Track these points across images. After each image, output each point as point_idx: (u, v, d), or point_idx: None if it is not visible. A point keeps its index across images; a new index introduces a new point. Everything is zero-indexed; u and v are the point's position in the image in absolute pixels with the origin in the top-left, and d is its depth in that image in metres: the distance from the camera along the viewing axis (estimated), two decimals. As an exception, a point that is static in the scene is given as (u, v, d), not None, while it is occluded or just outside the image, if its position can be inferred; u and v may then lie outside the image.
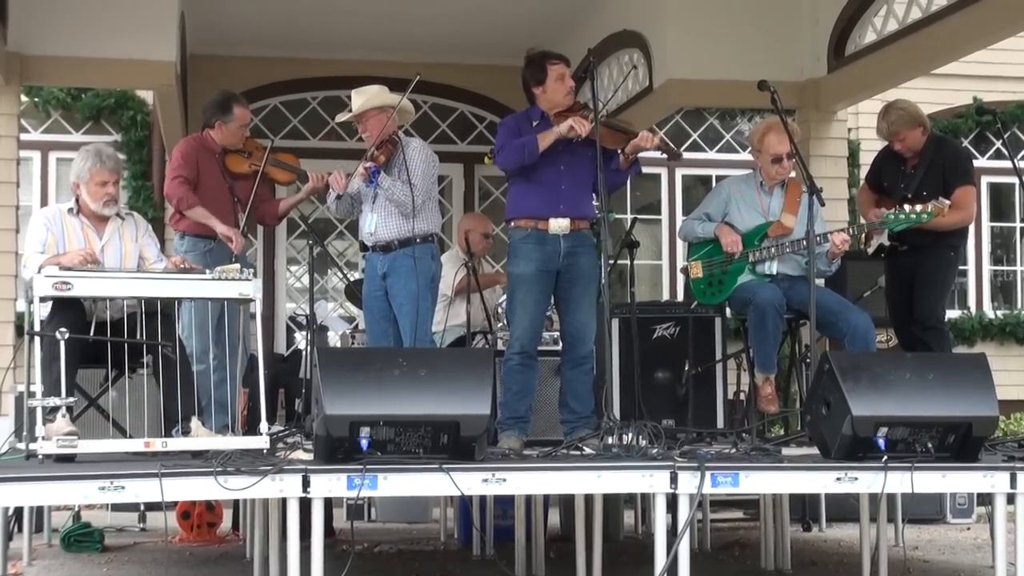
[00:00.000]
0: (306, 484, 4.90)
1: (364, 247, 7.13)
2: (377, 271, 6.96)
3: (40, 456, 5.39)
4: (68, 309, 5.83)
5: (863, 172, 9.40)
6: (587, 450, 5.86)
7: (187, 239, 7.21)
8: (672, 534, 5.16)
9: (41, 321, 5.68)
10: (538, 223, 6.49)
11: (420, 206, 6.84)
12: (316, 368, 5.20)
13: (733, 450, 5.85)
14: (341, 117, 7.11)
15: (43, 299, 5.64)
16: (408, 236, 6.87)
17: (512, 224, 6.61)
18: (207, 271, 5.95)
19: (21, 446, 5.80)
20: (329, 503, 6.56)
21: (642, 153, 6.59)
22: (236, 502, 8.09)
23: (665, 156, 6.66)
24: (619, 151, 6.50)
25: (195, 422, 5.84)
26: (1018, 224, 12.71)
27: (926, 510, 8.96)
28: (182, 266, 6.07)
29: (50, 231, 6.18)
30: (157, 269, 6.20)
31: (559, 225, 6.45)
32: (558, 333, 7.00)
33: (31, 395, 5.61)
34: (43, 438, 5.40)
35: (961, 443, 5.39)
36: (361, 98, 7.02)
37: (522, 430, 6.49)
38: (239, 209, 7.31)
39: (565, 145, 6.43)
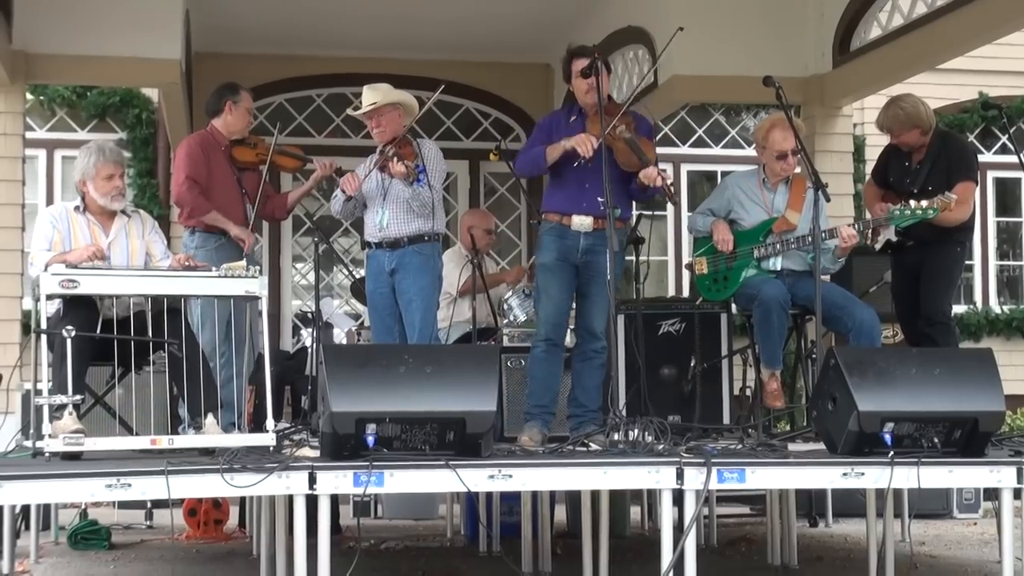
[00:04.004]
0: (312, 481, 4.90)
1: (366, 244, 7.14)
2: (384, 268, 6.97)
3: (47, 454, 5.40)
4: (81, 307, 5.84)
5: (868, 167, 9.40)
6: (593, 446, 5.87)
7: (197, 235, 7.22)
8: (678, 530, 5.16)
9: (48, 318, 5.68)
10: (562, 218, 6.50)
11: (436, 205, 6.92)
12: (322, 365, 5.20)
13: (739, 446, 5.85)
14: (364, 108, 7.08)
15: (50, 297, 5.65)
16: (418, 233, 6.92)
17: (543, 216, 6.66)
18: (215, 268, 5.95)
19: (28, 444, 5.81)
20: (335, 500, 6.56)
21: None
22: (243, 499, 8.10)
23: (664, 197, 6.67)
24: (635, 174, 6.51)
25: (210, 419, 5.83)
26: (1024, 219, 12.71)
27: (932, 505, 8.96)
28: (187, 263, 6.07)
29: (56, 229, 6.19)
30: (162, 267, 6.20)
31: (581, 222, 6.43)
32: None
33: (38, 393, 5.62)
34: (50, 436, 5.41)
35: (967, 438, 5.39)
36: (377, 94, 7.03)
37: (545, 422, 6.46)
38: (247, 202, 7.33)
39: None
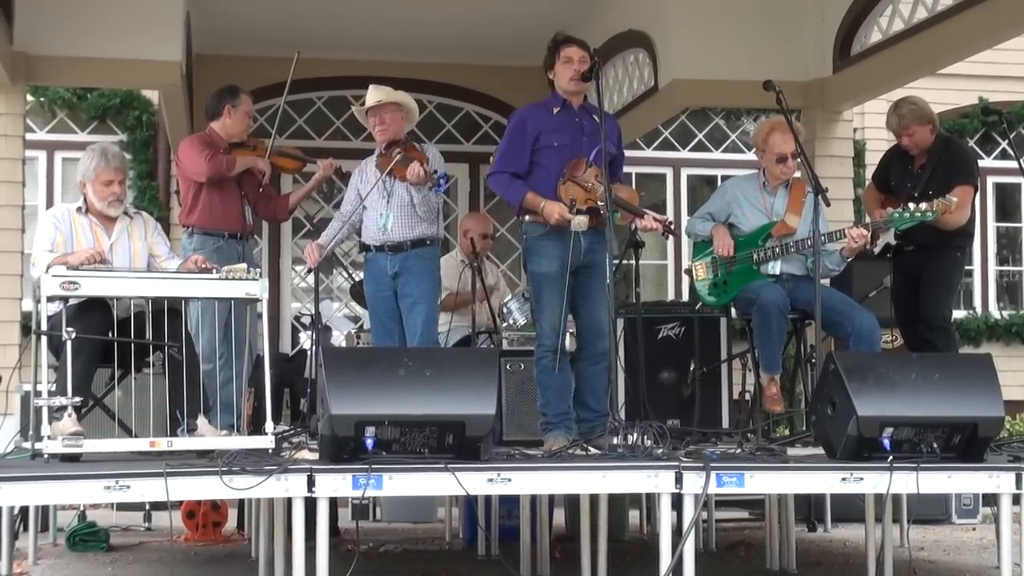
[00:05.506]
0: (311, 484, 4.90)
1: (365, 247, 7.13)
2: (386, 271, 6.97)
3: (46, 455, 5.40)
4: (95, 308, 5.85)
5: (868, 172, 9.40)
6: (592, 450, 5.86)
7: (196, 237, 7.23)
8: (677, 534, 5.16)
9: (49, 318, 5.68)
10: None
11: (439, 210, 6.98)
12: (321, 368, 5.20)
13: (738, 450, 5.85)
14: (369, 104, 7.10)
15: (51, 298, 5.64)
16: (421, 237, 6.94)
17: (528, 219, 6.41)
18: (215, 269, 5.96)
19: (27, 445, 5.81)
20: (334, 503, 6.55)
21: (640, 158, 6.58)
22: (241, 501, 8.09)
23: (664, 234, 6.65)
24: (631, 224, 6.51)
25: (202, 420, 5.84)
26: (1024, 224, 12.71)
27: (931, 511, 8.95)
28: (203, 266, 6.04)
29: (59, 230, 6.19)
30: (169, 267, 6.21)
31: (579, 222, 6.21)
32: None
33: (37, 394, 5.62)
34: (49, 437, 5.41)
35: (967, 444, 5.39)
36: (382, 92, 7.08)
37: (568, 428, 6.30)
38: (246, 203, 7.34)
39: (588, 139, 6.34)
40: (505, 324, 8.22)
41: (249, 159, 7.34)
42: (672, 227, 6.61)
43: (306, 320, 9.61)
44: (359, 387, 5.11)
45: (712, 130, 12.22)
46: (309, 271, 7.30)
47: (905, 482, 5.23)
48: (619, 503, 8.04)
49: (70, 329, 5.57)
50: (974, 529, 8.93)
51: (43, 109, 11.17)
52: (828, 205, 6.47)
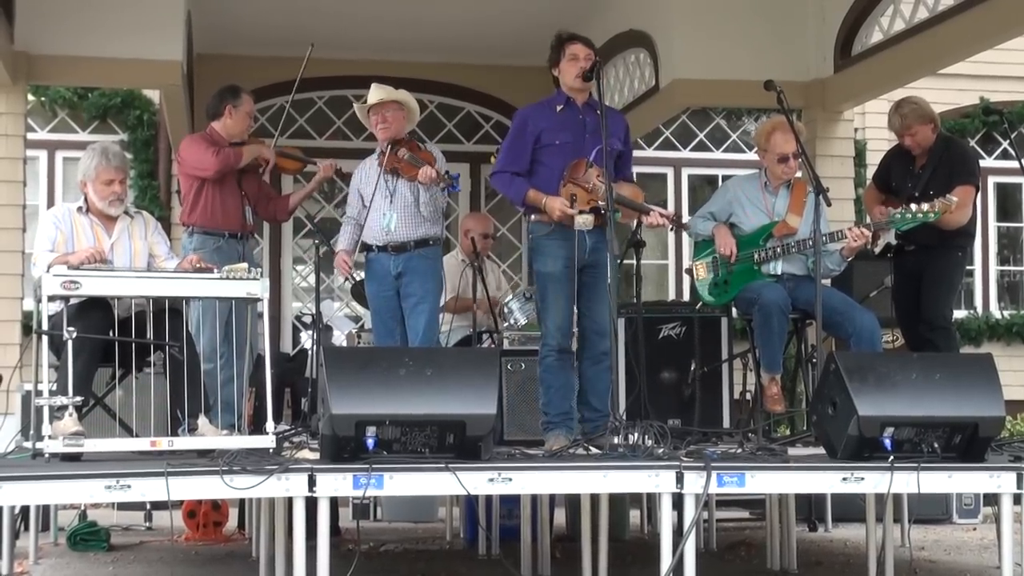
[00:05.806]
0: (312, 483, 4.90)
1: (366, 247, 7.12)
2: (389, 271, 6.97)
3: (46, 455, 5.40)
4: (96, 308, 5.85)
5: (869, 172, 9.40)
6: (593, 450, 5.86)
7: (196, 236, 7.24)
8: (678, 534, 5.16)
9: (50, 318, 5.68)
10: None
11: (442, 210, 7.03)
12: (322, 367, 5.20)
13: (739, 450, 5.84)
14: (372, 101, 7.10)
15: (52, 298, 5.65)
16: (424, 237, 6.96)
17: (533, 218, 6.41)
18: (216, 269, 5.96)
19: (28, 445, 5.81)
20: (335, 502, 6.55)
21: (641, 158, 6.57)
22: (242, 501, 8.10)
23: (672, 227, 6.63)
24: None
25: (202, 419, 5.84)
26: (1025, 224, 12.71)
27: (932, 510, 8.95)
28: (198, 265, 6.05)
29: (59, 230, 6.19)
30: (168, 267, 6.21)
31: (584, 221, 6.18)
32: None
33: (38, 394, 5.62)
34: (50, 437, 5.41)
35: (967, 443, 5.39)
36: (384, 91, 7.09)
37: (569, 428, 6.30)
38: (247, 203, 7.34)
39: (591, 136, 6.31)
40: (506, 324, 8.22)
41: (254, 148, 7.37)
42: (680, 220, 6.63)
43: (307, 319, 9.63)
44: (360, 387, 5.11)
45: (713, 130, 12.22)
46: (345, 279, 7.37)
47: (906, 482, 5.23)
48: (620, 503, 8.04)
49: (71, 328, 5.57)
50: (975, 529, 8.93)
51: (44, 109, 11.17)
52: (829, 205, 6.48)
